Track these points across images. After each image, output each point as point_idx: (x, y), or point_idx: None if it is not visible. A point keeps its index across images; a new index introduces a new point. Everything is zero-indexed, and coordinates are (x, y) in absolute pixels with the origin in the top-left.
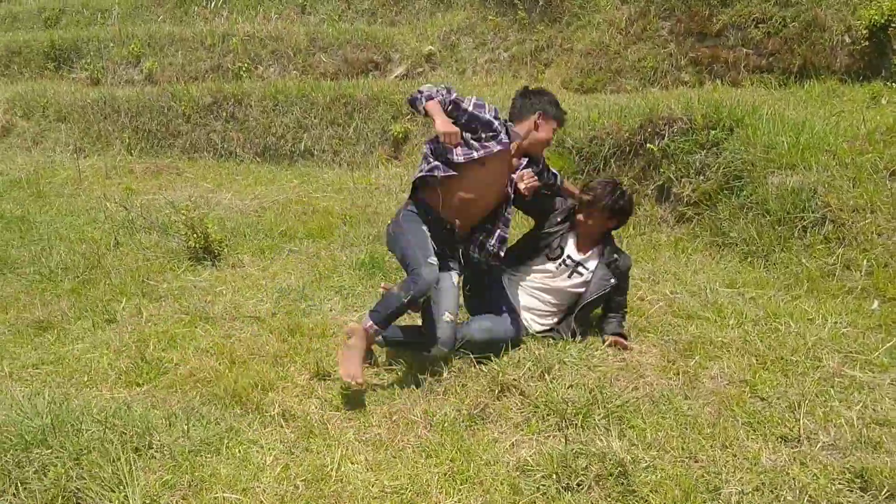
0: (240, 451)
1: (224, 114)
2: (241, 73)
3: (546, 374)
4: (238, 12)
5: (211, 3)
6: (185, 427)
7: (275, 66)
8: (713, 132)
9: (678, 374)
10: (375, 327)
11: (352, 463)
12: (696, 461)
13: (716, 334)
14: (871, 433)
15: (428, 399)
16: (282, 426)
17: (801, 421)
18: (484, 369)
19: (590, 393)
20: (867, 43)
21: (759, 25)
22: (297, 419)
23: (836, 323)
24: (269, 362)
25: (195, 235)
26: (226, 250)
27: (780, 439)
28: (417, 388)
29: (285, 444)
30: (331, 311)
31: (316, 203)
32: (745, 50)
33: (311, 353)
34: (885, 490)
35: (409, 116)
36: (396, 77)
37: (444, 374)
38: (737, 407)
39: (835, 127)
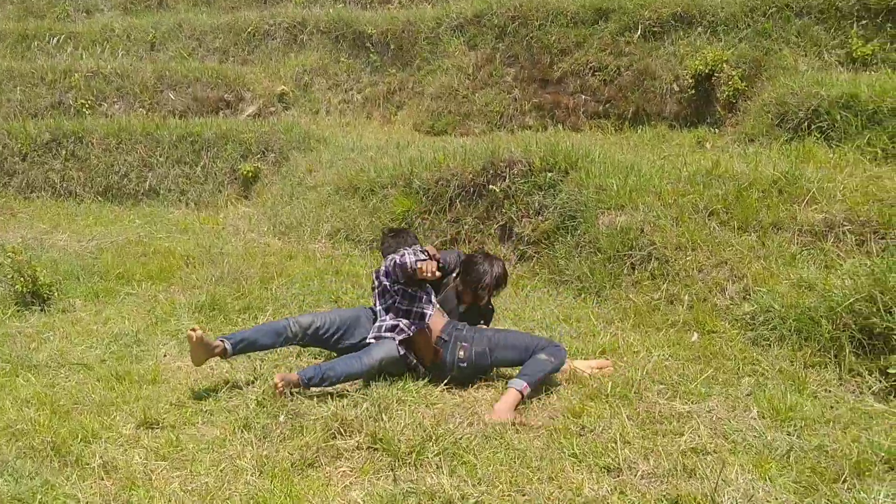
0: None
1: (64, 152)
2: (84, 110)
3: (383, 414)
4: (83, 48)
5: (54, 38)
6: None
7: (120, 103)
8: (549, 174)
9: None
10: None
11: None
12: (523, 494)
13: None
14: (686, 461)
15: (261, 444)
16: (102, 478)
17: (623, 451)
18: (323, 410)
19: (424, 431)
20: (693, 91)
21: (596, 74)
22: (120, 470)
23: (659, 356)
24: (93, 411)
25: (22, 279)
26: (56, 294)
27: (603, 469)
28: (249, 433)
29: (105, 498)
30: (165, 356)
31: (157, 244)
32: (583, 97)
33: (140, 401)
34: None
35: (258, 155)
36: (248, 116)
37: (281, 418)
38: (564, 439)
39: (660, 169)
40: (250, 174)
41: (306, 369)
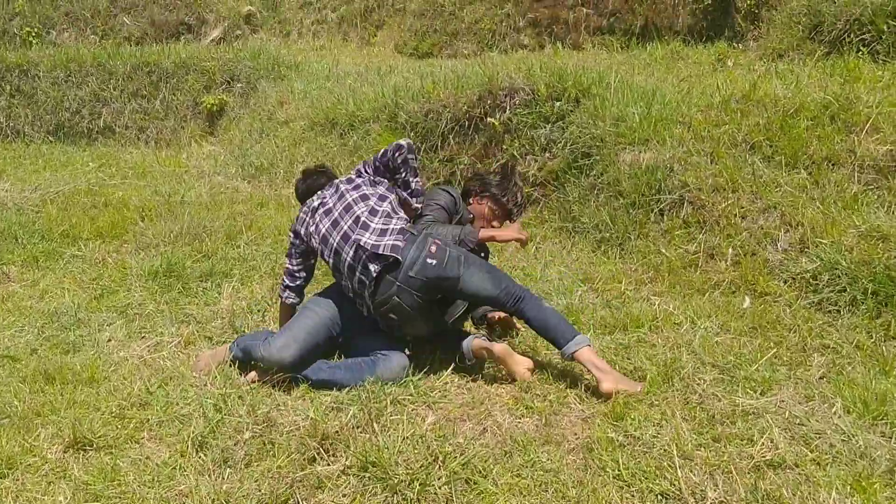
0: None
1: (8, 87)
2: (30, 38)
3: (375, 422)
4: None
5: None
6: None
7: (69, 30)
8: (557, 104)
9: (532, 410)
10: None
11: None
12: None
13: None
14: (766, 483)
15: (220, 471)
16: None
17: (683, 470)
18: (298, 418)
19: (428, 448)
20: (709, 1)
21: None
22: None
23: (706, 328)
24: (13, 428)
25: None
26: None
27: (660, 497)
28: (206, 454)
29: None
30: (109, 341)
31: (110, 193)
32: (585, 10)
33: (72, 409)
34: None
35: (223, 86)
36: (212, 41)
37: (245, 434)
38: (606, 454)
39: (687, 95)
40: (215, 108)
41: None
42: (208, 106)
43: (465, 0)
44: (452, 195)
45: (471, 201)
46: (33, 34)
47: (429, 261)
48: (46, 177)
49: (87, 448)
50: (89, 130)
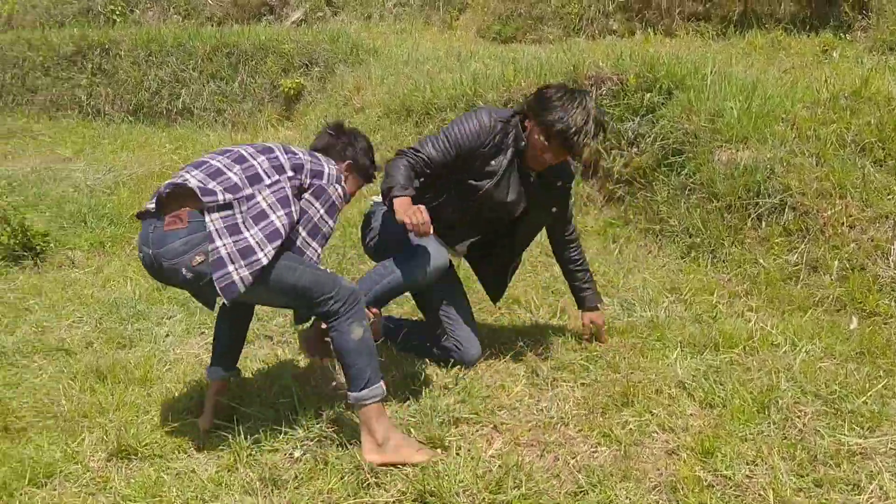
0: None
1: (90, 65)
2: (114, 16)
3: (437, 444)
4: None
5: None
6: None
7: (154, 8)
8: (648, 95)
9: (610, 438)
10: None
11: None
12: None
13: (656, 371)
14: None
15: (268, 491)
16: None
17: None
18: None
19: (492, 479)
20: None
21: None
22: None
23: (808, 351)
24: (57, 431)
25: (10, 229)
26: (52, 246)
27: None
28: (253, 471)
29: None
30: (167, 336)
31: None
32: None
33: (120, 412)
34: None
35: (301, 70)
36: (293, 23)
37: (296, 453)
38: (691, 495)
39: (790, 90)
40: (292, 91)
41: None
42: (285, 89)
43: None
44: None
45: (526, 125)
46: (117, 13)
47: None
48: (123, 158)
49: (132, 457)
50: (168, 111)
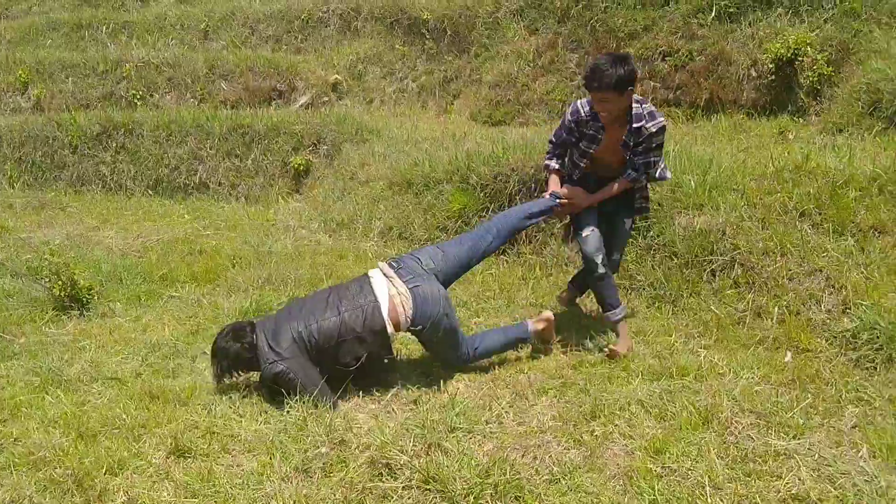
0: None
1: (114, 144)
2: (136, 100)
3: (436, 448)
4: (137, 37)
5: (108, 26)
6: None
7: (171, 93)
8: None
9: (580, 443)
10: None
11: None
12: None
13: (621, 393)
14: None
15: (301, 478)
16: None
17: (714, 499)
18: (368, 438)
19: (482, 468)
20: (773, 77)
21: (666, 59)
22: None
23: (748, 378)
24: (122, 436)
25: (60, 282)
26: (96, 298)
27: None
28: (288, 464)
29: None
30: (205, 370)
31: (205, 242)
32: (652, 83)
33: (173, 424)
34: None
35: (310, 148)
36: (301, 106)
37: (323, 449)
38: (644, 482)
39: (742, 164)
40: (301, 167)
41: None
42: (295, 166)
43: (538, 73)
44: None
45: None
46: (138, 97)
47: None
48: (146, 227)
49: (186, 455)
50: (186, 185)
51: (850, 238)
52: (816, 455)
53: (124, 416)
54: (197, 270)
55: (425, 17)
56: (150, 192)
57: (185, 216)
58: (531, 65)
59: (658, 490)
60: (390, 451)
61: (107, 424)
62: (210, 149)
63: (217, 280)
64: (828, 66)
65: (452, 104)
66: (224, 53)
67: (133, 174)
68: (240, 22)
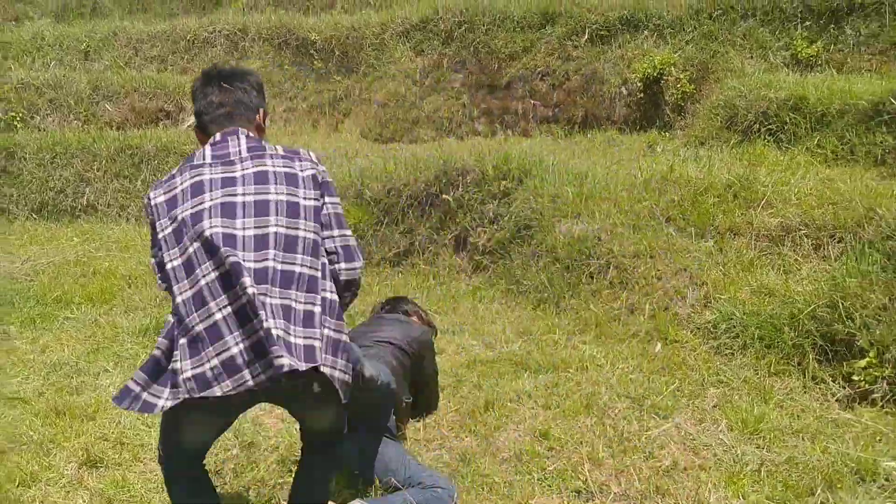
0: None
1: None
2: (16, 123)
3: None
4: (13, 58)
5: None
6: None
7: (53, 115)
8: (503, 183)
9: (475, 433)
10: None
11: None
12: None
13: (510, 387)
14: (659, 481)
15: (214, 479)
16: None
17: (594, 473)
18: (276, 440)
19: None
20: (642, 94)
21: (545, 78)
22: None
23: (623, 368)
24: (32, 451)
25: None
26: None
27: (573, 493)
28: None
29: None
30: (108, 386)
31: (97, 264)
32: (532, 102)
33: (81, 438)
34: None
35: None
36: (189, 126)
37: (234, 451)
38: (532, 462)
39: (615, 175)
40: None
41: None
42: None
43: (425, 92)
44: None
45: None
46: (18, 119)
47: None
48: (34, 250)
49: (98, 466)
50: (73, 208)
51: (710, 239)
52: (683, 431)
53: (31, 433)
54: (92, 291)
55: (313, 37)
56: (34, 215)
57: (74, 239)
58: (418, 84)
59: (545, 468)
60: (298, 449)
61: (14, 441)
62: (97, 170)
63: (113, 300)
64: (690, 85)
65: (343, 123)
66: (108, 74)
67: (15, 198)
68: (122, 42)
